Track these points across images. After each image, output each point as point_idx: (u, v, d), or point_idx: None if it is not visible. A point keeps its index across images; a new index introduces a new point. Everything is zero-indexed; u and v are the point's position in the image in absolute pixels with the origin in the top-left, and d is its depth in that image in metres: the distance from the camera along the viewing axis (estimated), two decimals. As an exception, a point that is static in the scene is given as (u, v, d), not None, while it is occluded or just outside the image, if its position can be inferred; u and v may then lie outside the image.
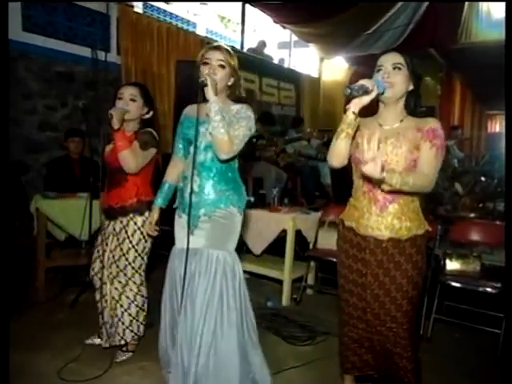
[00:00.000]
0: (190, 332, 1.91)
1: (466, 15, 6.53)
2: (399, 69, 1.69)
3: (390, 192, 1.67)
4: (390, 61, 1.71)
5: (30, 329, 2.68)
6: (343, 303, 1.89)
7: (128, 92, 2.28)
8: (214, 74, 1.86)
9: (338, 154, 1.72)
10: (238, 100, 2.02)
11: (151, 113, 2.37)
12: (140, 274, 2.39)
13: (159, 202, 2.15)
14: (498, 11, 6.32)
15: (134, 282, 2.36)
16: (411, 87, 1.74)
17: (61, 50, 4.31)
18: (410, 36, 6.81)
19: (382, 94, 1.66)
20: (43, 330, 2.69)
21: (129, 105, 2.26)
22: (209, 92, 1.78)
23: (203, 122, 1.91)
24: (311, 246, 3.47)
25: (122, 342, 2.38)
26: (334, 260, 3.13)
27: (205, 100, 1.82)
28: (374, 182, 1.65)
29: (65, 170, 3.72)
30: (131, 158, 2.18)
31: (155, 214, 2.18)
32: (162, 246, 4.07)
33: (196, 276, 1.95)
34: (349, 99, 1.61)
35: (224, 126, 1.78)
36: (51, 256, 3.30)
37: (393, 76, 1.68)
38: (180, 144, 2.10)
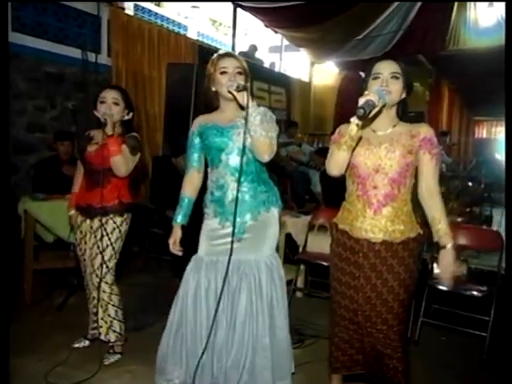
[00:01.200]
0: (230, 342, 1.92)
1: (454, 23, 6.63)
2: (397, 78, 1.72)
3: (385, 195, 1.74)
4: (387, 69, 1.73)
5: (17, 332, 2.64)
6: (335, 305, 1.91)
7: (110, 96, 2.30)
8: (235, 80, 1.85)
9: (338, 163, 1.74)
10: None
11: (131, 114, 2.40)
12: (111, 274, 2.39)
13: (180, 219, 2.07)
14: (486, 19, 6.43)
15: (106, 282, 2.36)
16: (404, 95, 1.77)
17: (51, 51, 4.28)
18: (399, 42, 6.89)
19: (384, 105, 1.67)
20: (30, 332, 2.66)
21: (112, 109, 2.28)
22: (245, 97, 1.76)
23: (231, 127, 1.93)
24: (301, 249, 3.49)
25: (106, 339, 2.39)
26: (324, 263, 3.18)
27: (213, 106, 1.88)
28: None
29: (53, 171, 3.69)
30: (123, 162, 2.24)
31: (178, 233, 2.09)
32: (152, 249, 4.08)
33: (237, 290, 1.94)
34: (364, 118, 1.59)
35: (264, 128, 1.79)
36: (39, 258, 3.28)
37: (391, 85, 1.71)
38: (196, 156, 2.06)
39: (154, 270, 4.05)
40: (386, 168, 1.73)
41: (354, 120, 1.61)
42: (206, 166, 2.10)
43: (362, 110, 1.55)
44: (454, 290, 2.77)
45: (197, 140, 2.04)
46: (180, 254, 2.08)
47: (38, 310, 3.00)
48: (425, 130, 1.74)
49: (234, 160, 1.94)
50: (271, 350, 1.95)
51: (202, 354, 1.89)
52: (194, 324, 1.98)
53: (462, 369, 2.56)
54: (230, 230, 1.90)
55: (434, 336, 2.93)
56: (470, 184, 5.26)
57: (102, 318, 2.38)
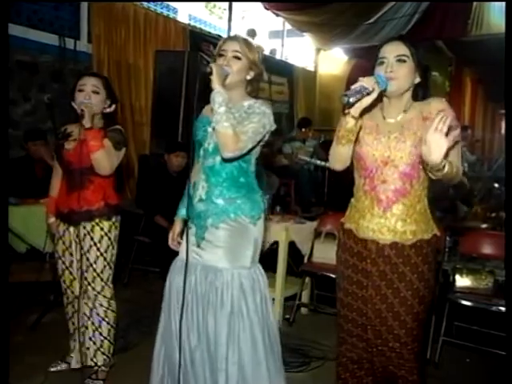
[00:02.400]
0: (214, 362, 1.89)
1: (477, 5, 6.66)
2: (403, 61, 1.69)
3: (395, 191, 1.71)
4: (393, 52, 1.71)
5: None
6: (342, 319, 1.89)
7: (90, 83, 2.27)
8: (228, 65, 1.85)
9: (340, 159, 1.75)
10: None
11: (113, 106, 2.38)
12: (109, 287, 2.38)
13: (183, 212, 2.07)
14: (512, 0, 6.44)
15: (104, 296, 2.35)
16: (418, 79, 1.74)
17: (23, 37, 4.28)
18: (415, 27, 6.91)
19: (385, 90, 1.66)
20: (-1, 355, 2.65)
21: (91, 97, 2.25)
22: (213, 81, 1.74)
23: (211, 121, 1.88)
24: (306, 259, 3.48)
25: (92, 364, 2.37)
26: (332, 275, 3.17)
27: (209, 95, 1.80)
28: (428, 169, 1.57)
29: (25, 173, 3.69)
30: (106, 159, 2.20)
31: (178, 227, 2.11)
32: (138, 259, 4.07)
33: (209, 295, 1.91)
34: (348, 107, 1.58)
35: (229, 119, 1.73)
36: (10, 271, 3.26)
37: (396, 69, 1.68)
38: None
39: (139, 283, 4.04)
40: (396, 160, 1.70)
41: (349, 111, 1.59)
42: None
43: (345, 98, 1.53)
44: (479, 305, 2.77)
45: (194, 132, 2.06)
46: (178, 249, 2.09)
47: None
48: (437, 106, 1.69)
49: (209, 157, 1.93)
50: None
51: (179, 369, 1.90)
52: (170, 332, 2.00)
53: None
54: (192, 231, 1.96)
55: (456, 357, 2.92)
56: (496, 186, 5.26)
57: (90, 338, 2.34)
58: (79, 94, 2.26)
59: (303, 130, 6.11)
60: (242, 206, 1.94)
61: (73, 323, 2.46)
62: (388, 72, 1.67)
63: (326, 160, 5.91)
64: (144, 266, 4.08)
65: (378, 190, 1.74)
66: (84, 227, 2.30)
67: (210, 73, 1.74)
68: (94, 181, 2.31)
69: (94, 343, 2.35)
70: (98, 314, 2.34)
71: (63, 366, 2.50)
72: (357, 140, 1.74)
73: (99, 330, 2.35)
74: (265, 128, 1.88)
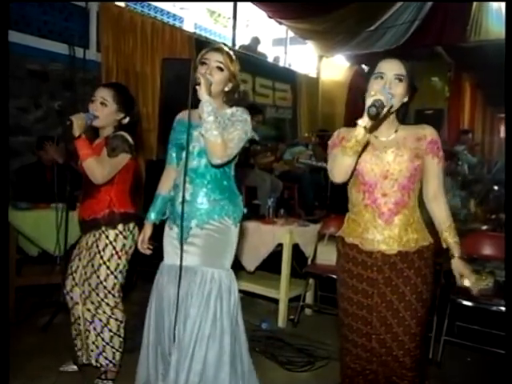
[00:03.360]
0: (179, 357, 1.90)
1: (476, 11, 6.65)
2: (400, 80, 1.72)
3: (396, 203, 1.75)
4: (392, 70, 1.72)
5: (-2, 355, 2.64)
6: (346, 329, 1.87)
7: (99, 95, 2.27)
8: (210, 74, 1.88)
9: (343, 170, 1.71)
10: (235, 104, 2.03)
11: (128, 119, 2.35)
12: (114, 295, 2.34)
13: (152, 217, 2.15)
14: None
15: (108, 304, 2.33)
16: (406, 99, 1.76)
17: (35, 47, 4.30)
18: (415, 33, 6.91)
19: (391, 107, 1.63)
20: (13, 355, 2.64)
21: (98, 109, 2.25)
22: (201, 91, 1.78)
23: (196, 125, 1.91)
24: (310, 261, 3.48)
25: (98, 365, 2.38)
26: (335, 277, 3.16)
27: (198, 102, 1.83)
28: None
29: (37, 178, 3.70)
30: (96, 167, 2.17)
31: (148, 230, 2.18)
32: (144, 262, 4.07)
33: (188, 297, 1.94)
34: (373, 118, 1.55)
35: (217, 128, 1.78)
36: (22, 273, 3.28)
37: (394, 87, 1.70)
38: (173, 152, 2.10)
39: (147, 285, 4.03)
40: (395, 174, 1.74)
41: (362, 122, 1.57)
42: None
43: (373, 109, 1.51)
44: (480, 305, 2.75)
45: (171, 135, 2.10)
46: (148, 252, 2.21)
47: (21, 330, 3.00)
48: (430, 132, 1.78)
49: (193, 160, 1.95)
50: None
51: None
52: (156, 335, 2.05)
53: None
54: (175, 233, 1.99)
55: (458, 356, 2.91)
56: (496, 188, 5.24)
57: (93, 342, 2.35)
58: (90, 104, 2.28)
59: (306, 134, 6.12)
60: (226, 208, 1.98)
61: (74, 329, 2.45)
62: (387, 89, 1.66)
63: (324, 160, 5.92)
64: (151, 269, 4.07)
65: (380, 203, 1.76)
66: (94, 235, 2.31)
67: (198, 83, 1.78)
68: (101, 190, 2.29)
69: (97, 347, 2.35)
70: (100, 320, 2.33)
71: (74, 367, 2.50)
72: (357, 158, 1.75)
73: (101, 335, 2.34)
74: (247, 135, 1.93)
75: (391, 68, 1.73)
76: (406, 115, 1.82)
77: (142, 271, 4.08)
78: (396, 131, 1.79)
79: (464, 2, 6.55)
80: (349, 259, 1.85)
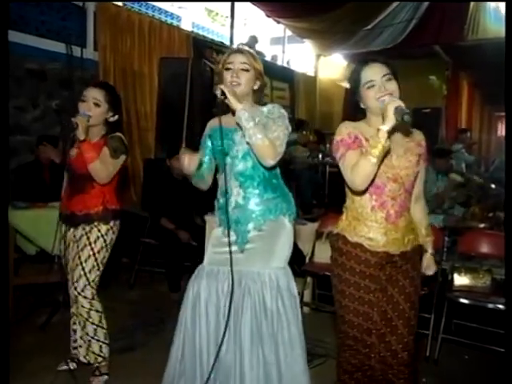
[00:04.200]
0: (239, 368, 1.86)
1: (473, 10, 6.65)
2: (390, 79, 1.72)
3: (401, 205, 1.79)
4: (378, 73, 1.72)
5: (-4, 354, 2.64)
6: (347, 325, 1.86)
7: (91, 95, 2.29)
8: (237, 77, 1.87)
9: (369, 178, 1.67)
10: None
11: (116, 116, 2.39)
12: (92, 287, 2.35)
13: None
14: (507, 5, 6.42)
15: (85, 297, 2.33)
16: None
17: (32, 46, 4.29)
18: (412, 32, 6.90)
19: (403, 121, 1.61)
20: (11, 355, 2.63)
21: (91, 110, 2.27)
22: (232, 103, 1.76)
23: (235, 129, 1.91)
24: (308, 259, 3.48)
25: (85, 361, 2.40)
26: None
27: (226, 110, 1.85)
28: None
29: (34, 177, 3.70)
30: (102, 168, 2.24)
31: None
32: (144, 260, 4.08)
33: (239, 308, 1.89)
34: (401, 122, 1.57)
35: (261, 130, 1.76)
36: (20, 272, 3.27)
37: (389, 87, 1.70)
38: (207, 159, 2.04)
39: (146, 284, 4.05)
40: (403, 177, 1.77)
41: (386, 128, 1.56)
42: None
43: (407, 116, 1.53)
44: (477, 303, 2.76)
45: (209, 143, 2.05)
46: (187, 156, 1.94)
47: (19, 329, 2.99)
48: (423, 138, 1.87)
49: (239, 164, 1.93)
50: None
51: (208, 379, 1.86)
52: (192, 343, 1.95)
53: (487, 390, 2.55)
54: (232, 238, 1.91)
55: (455, 354, 2.91)
56: (493, 186, 5.25)
57: (81, 337, 2.38)
58: (81, 104, 2.28)
59: (304, 132, 6.09)
60: (280, 206, 1.96)
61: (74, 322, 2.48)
62: (383, 93, 1.67)
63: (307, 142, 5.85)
64: (150, 268, 4.08)
65: (388, 206, 1.78)
66: (83, 228, 2.33)
67: (224, 95, 1.75)
68: (95, 186, 2.33)
69: (84, 342, 2.39)
70: (81, 315, 2.34)
71: (70, 366, 2.49)
72: None
73: (85, 330, 2.36)
74: (288, 129, 1.91)
75: (377, 72, 1.72)
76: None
77: (139, 270, 4.08)
78: (396, 132, 1.76)
79: (462, 1, 6.55)
80: (351, 257, 1.84)
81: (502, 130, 14.49)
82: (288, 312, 1.93)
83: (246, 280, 1.91)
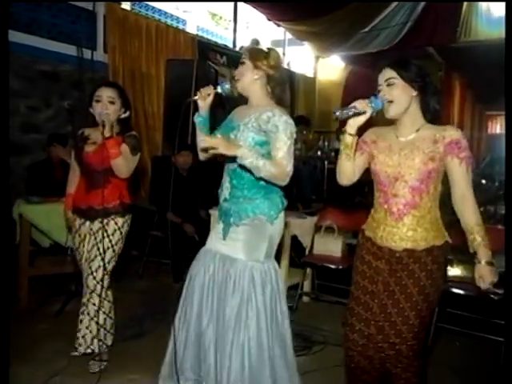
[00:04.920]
0: (222, 343, 1.92)
1: (466, 13, 6.60)
2: (392, 83, 1.73)
3: (405, 204, 1.74)
4: (382, 78, 1.76)
5: (13, 340, 2.65)
6: (348, 312, 1.87)
7: (106, 94, 2.31)
8: (238, 73, 1.97)
9: (343, 173, 1.83)
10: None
11: (128, 113, 2.42)
12: (108, 278, 2.39)
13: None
14: (498, 9, 6.39)
15: (102, 286, 2.36)
16: (414, 93, 1.74)
17: (45, 48, 4.28)
18: (407, 35, 6.86)
19: (381, 110, 1.72)
20: (27, 341, 2.67)
21: (108, 108, 2.29)
22: (226, 152, 1.77)
23: (233, 127, 1.95)
24: (307, 251, 3.48)
25: (88, 351, 2.39)
26: (332, 266, 3.18)
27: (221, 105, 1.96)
28: None
29: (47, 174, 3.71)
30: (124, 164, 2.28)
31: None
32: (152, 252, 4.09)
33: (223, 285, 1.96)
34: (342, 121, 1.70)
35: (264, 160, 1.80)
36: (35, 264, 3.29)
37: (388, 93, 1.73)
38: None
39: (153, 274, 4.06)
40: (406, 176, 1.73)
41: (345, 129, 1.70)
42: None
43: (334, 114, 1.67)
44: (469, 293, 2.76)
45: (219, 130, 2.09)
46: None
47: (35, 317, 3.01)
48: (450, 134, 1.70)
49: (232, 161, 1.94)
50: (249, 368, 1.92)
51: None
52: (184, 315, 2.06)
53: (477, 375, 2.55)
54: (221, 228, 2.03)
55: (448, 341, 2.92)
56: (484, 182, 5.24)
57: (86, 327, 2.38)
58: (96, 104, 2.30)
59: (304, 132, 6.05)
60: (261, 206, 1.97)
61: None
62: (383, 96, 1.73)
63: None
64: (157, 259, 4.09)
65: (391, 203, 1.78)
66: (100, 221, 2.34)
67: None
68: (112, 181, 2.36)
69: (91, 332, 2.38)
70: (94, 304, 2.35)
71: (76, 353, 2.50)
72: (373, 158, 1.82)
73: (95, 319, 2.36)
74: (292, 136, 1.91)
75: (382, 76, 1.77)
76: (429, 110, 1.78)
77: (147, 261, 4.10)
78: (418, 130, 1.76)
79: (457, 1, 6.50)
80: (363, 248, 1.89)
81: (492, 129, 14.44)
82: (258, 304, 1.93)
83: (228, 265, 1.97)
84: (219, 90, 1.97)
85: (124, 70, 4.93)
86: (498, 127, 14.34)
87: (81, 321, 2.40)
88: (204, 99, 1.99)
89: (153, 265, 4.14)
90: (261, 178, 1.88)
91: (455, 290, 2.79)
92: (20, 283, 3.15)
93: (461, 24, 6.64)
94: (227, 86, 1.97)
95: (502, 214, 4.13)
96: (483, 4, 6.59)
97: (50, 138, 3.82)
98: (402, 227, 1.75)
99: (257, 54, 2.00)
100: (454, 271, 2.90)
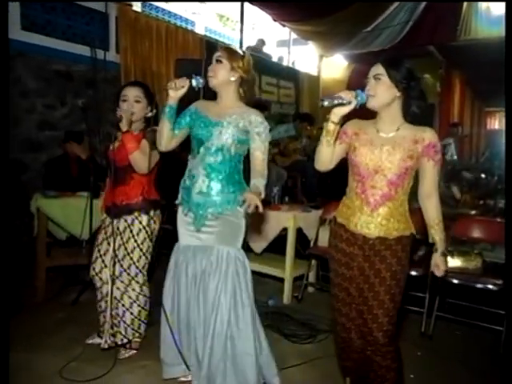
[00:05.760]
0: (204, 327, 1.95)
1: (466, 12, 6.51)
2: (379, 79, 1.74)
3: (382, 195, 1.78)
4: (372, 72, 1.77)
5: (31, 328, 2.67)
6: (333, 298, 1.91)
7: (132, 94, 2.30)
8: (212, 69, 1.95)
9: (321, 159, 1.82)
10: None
11: (154, 111, 2.39)
12: (143, 274, 2.39)
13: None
14: (497, 8, 6.29)
15: (137, 282, 2.36)
16: (398, 93, 1.74)
17: (59, 49, 4.28)
18: (409, 33, 6.79)
19: (365, 104, 1.73)
20: (44, 329, 2.68)
21: (134, 106, 2.27)
22: (259, 198, 1.77)
23: (216, 124, 1.95)
24: (312, 243, 3.47)
25: (125, 341, 2.39)
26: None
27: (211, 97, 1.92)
28: None
29: (63, 170, 3.71)
30: (142, 158, 2.20)
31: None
32: (162, 244, 4.09)
33: (206, 272, 1.98)
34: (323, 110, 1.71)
35: (259, 178, 1.89)
36: (52, 255, 3.29)
37: (373, 87, 1.74)
38: (182, 122, 2.05)
39: (165, 266, 4.05)
40: (386, 170, 1.76)
41: (329, 117, 1.70)
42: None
43: (320, 102, 1.69)
44: (468, 283, 2.74)
45: (187, 119, 2.06)
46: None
47: (51, 306, 3.02)
48: (429, 136, 1.75)
49: (210, 156, 1.97)
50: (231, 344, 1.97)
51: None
52: (172, 303, 2.10)
53: (477, 363, 2.53)
54: (190, 219, 2.02)
55: (448, 330, 2.90)
56: (483, 176, 5.18)
57: (121, 318, 2.37)
58: (123, 103, 2.28)
59: (309, 127, 6.00)
60: (238, 199, 1.98)
61: (100, 306, 2.45)
62: (367, 90, 1.74)
63: (305, 131, 5.74)
64: (168, 251, 4.09)
65: (368, 194, 1.79)
66: (125, 220, 2.31)
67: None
68: (134, 177, 2.31)
69: (125, 322, 2.37)
70: (129, 297, 2.36)
71: (98, 340, 2.51)
72: (354, 149, 1.82)
73: (130, 310, 2.36)
74: (268, 137, 1.97)
75: (372, 71, 1.77)
76: (408, 111, 1.77)
77: (159, 253, 4.10)
78: (398, 129, 1.77)
79: (457, 1, 6.41)
80: (336, 235, 1.90)
81: (490, 124, 14.28)
82: (242, 287, 2.00)
83: (208, 255, 1.99)
84: (194, 83, 1.94)
85: (135, 69, 4.92)
86: (496, 123, 14.18)
87: (113, 314, 2.38)
88: (176, 90, 1.93)
89: (164, 257, 4.13)
90: (237, 174, 2.01)
91: (455, 281, 2.76)
92: (37, 274, 3.16)
93: (461, 23, 6.56)
94: (201, 81, 1.95)
95: (500, 207, 4.08)
96: (483, 4, 6.50)
97: (67, 135, 3.82)
98: (377, 217, 1.78)
99: (235, 55, 1.98)
100: (454, 262, 2.87)
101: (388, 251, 1.78)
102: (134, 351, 2.41)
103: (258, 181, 1.87)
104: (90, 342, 2.52)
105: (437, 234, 1.77)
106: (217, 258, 1.97)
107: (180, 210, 2.11)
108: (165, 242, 4.08)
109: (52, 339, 2.56)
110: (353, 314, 1.83)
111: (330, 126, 1.73)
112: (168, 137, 2.01)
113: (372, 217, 1.78)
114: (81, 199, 3.09)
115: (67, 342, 2.52)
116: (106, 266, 2.38)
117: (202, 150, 1.98)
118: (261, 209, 1.69)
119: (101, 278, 2.40)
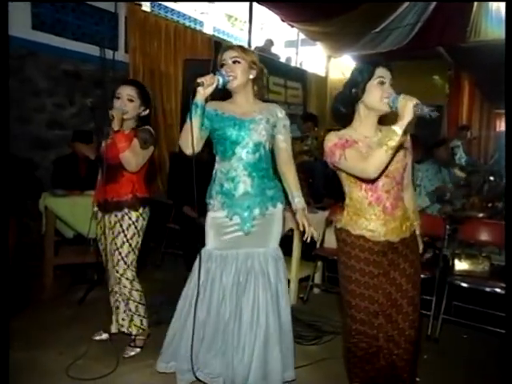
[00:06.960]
0: (249, 330, 1.95)
1: (476, 13, 6.46)
2: (391, 85, 1.73)
3: (395, 198, 1.80)
4: (388, 76, 1.73)
5: (38, 326, 2.69)
6: (354, 310, 1.84)
7: (125, 92, 2.31)
8: (231, 70, 1.92)
9: (381, 165, 1.63)
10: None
11: (147, 111, 2.40)
12: (132, 270, 2.40)
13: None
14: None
15: (127, 278, 2.38)
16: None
17: (69, 49, 4.31)
18: (418, 34, 6.74)
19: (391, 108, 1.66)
20: (51, 327, 2.71)
21: (126, 105, 2.28)
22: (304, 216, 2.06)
23: (249, 121, 1.95)
24: (318, 245, 3.46)
25: (128, 332, 2.45)
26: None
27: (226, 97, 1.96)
28: None
29: (71, 169, 3.73)
30: (132, 158, 2.24)
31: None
32: (169, 244, 4.11)
33: (243, 284, 1.98)
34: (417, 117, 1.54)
35: (294, 174, 2.07)
36: (59, 253, 3.32)
37: (390, 92, 1.69)
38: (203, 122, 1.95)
39: (171, 265, 4.08)
40: (394, 171, 1.77)
41: (402, 126, 1.55)
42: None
43: (434, 113, 1.51)
44: (476, 286, 2.72)
45: (207, 120, 1.98)
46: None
47: (58, 304, 3.05)
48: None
49: (248, 155, 1.96)
50: (279, 344, 1.99)
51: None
52: (200, 312, 2.04)
53: (483, 367, 2.51)
54: (237, 222, 1.98)
55: (454, 333, 2.88)
56: (492, 178, 5.13)
57: (124, 312, 2.43)
58: (116, 100, 2.30)
59: (315, 128, 5.98)
60: (278, 194, 2.03)
61: (110, 301, 2.52)
62: (391, 93, 1.67)
63: (309, 131, 5.72)
64: (174, 250, 4.11)
65: (383, 199, 1.78)
66: (116, 215, 2.34)
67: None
68: (125, 175, 2.34)
69: (127, 316, 2.43)
70: (123, 294, 2.40)
71: (104, 336, 2.55)
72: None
73: (128, 306, 2.41)
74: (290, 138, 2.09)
75: (387, 74, 1.73)
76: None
77: (165, 253, 4.12)
78: (380, 130, 1.79)
79: (466, 1, 6.36)
80: (356, 246, 1.83)
81: (500, 126, 14.17)
82: (283, 285, 2.06)
83: (252, 260, 1.99)
84: (220, 80, 1.88)
85: (144, 69, 4.94)
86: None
87: (117, 307, 2.45)
88: (206, 87, 1.83)
89: (170, 256, 4.15)
90: (272, 168, 2.05)
91: (463, 284, 2.74)
92: (45, 272, 3.19)
93: (471, 24, 6.51)
94: (226, 78, 1.89)
95: (509, 210, 4.04)
96: (493, 4, 6.44)
97: (75, 134, 3.84)
98: (396, 220, 1.80)
99: (249, 53, 1.99)
100: (462, 265, 2.86)
101: (408, 249, 1.83)
102: (138, 349, 2.44)
103: (299, 195, 1.99)
104: (97, 338, 2.55)
105: (416, 219, 1.94)
106: (259, 262, 2.00)
107: (213, 214, 2.05)
108: (170, 241, 4.12)
109: (59, 337, 2.58)
110: (379, 320, 1.82)
111: (403, 135, 1.59)
112: (198, 137, 1.91)
113: (393, 221, 1.79)
114: (89, 198, 3.08)
115: (74, 340, 2.54)
116: (108, 261, 2.46)
117: (238, 149, 1.95)
118: (316, 235, 1.97)
119: (108, 270, 2.47)
